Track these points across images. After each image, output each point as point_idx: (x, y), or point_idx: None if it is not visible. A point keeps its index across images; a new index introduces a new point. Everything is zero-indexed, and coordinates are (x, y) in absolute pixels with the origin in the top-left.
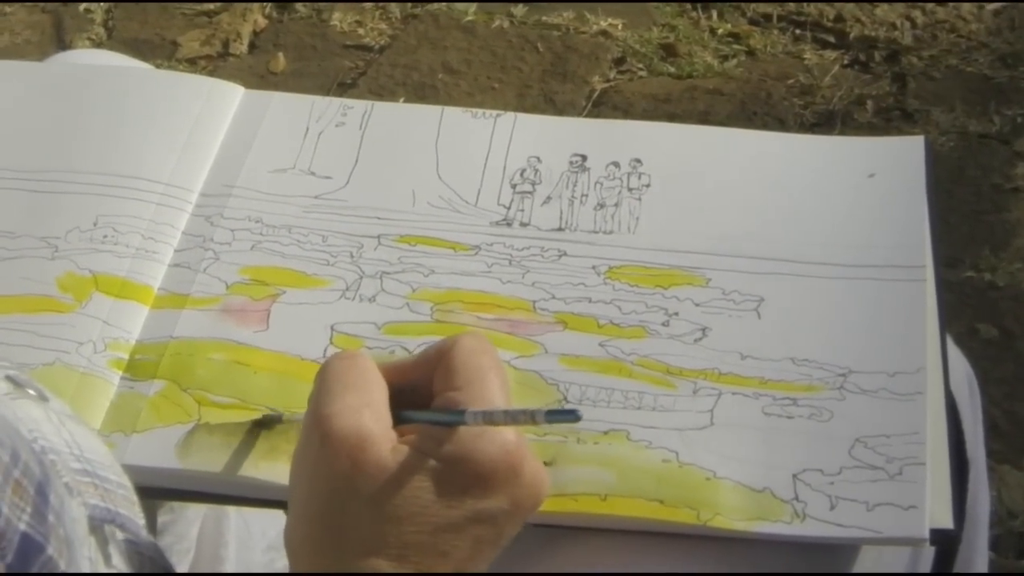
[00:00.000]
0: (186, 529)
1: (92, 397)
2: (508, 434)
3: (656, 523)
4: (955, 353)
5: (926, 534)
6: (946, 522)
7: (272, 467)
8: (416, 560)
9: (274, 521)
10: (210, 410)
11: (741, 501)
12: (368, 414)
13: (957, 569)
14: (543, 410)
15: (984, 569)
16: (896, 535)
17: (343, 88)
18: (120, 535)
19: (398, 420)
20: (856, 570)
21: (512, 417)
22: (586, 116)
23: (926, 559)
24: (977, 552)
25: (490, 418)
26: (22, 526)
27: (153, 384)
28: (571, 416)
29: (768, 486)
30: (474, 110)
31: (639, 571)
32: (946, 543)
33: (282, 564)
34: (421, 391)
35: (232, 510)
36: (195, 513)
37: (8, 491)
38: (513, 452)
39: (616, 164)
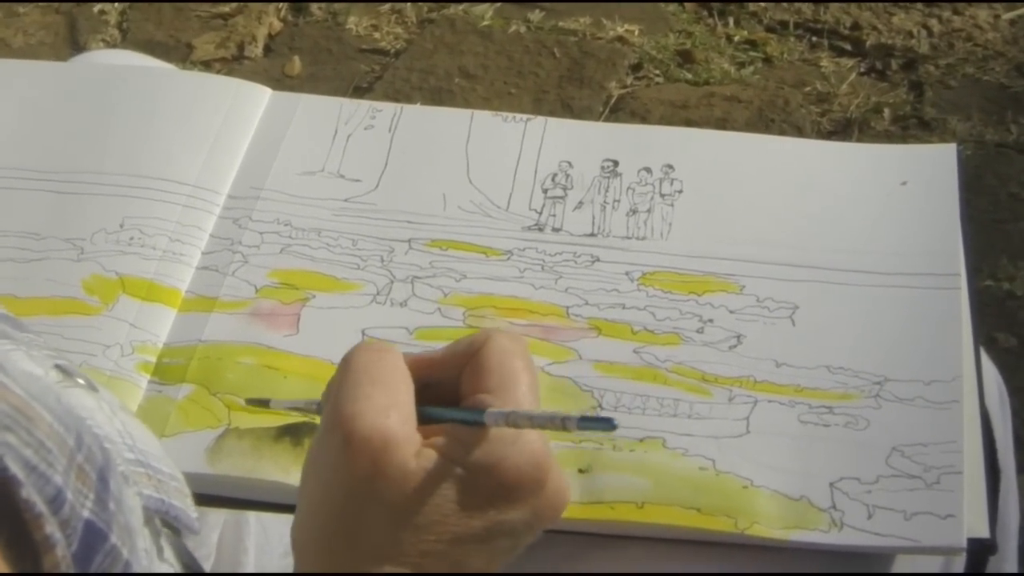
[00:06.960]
0: (207, 535)
1: (120, 401)
2: (537, 444)
3: (693, 531)
4: (986, 362)
5: (964, 543)
6: (982, 531)
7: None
8: (432, 569)
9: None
10: (240, 414)
11: (778, 509)
12: (395, 416)
13: None
14: (575, 416)
15: None
16: (934, 544)
17: (359, 92)
18: (166, 529)
19: (420, 417)
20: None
21: (538, 422)
22: (603, 122)
23: (957, 566)
24: (1007, 560)
25: (513, 421)
26: (86, 513)
27: (182, 388)
28: (606, 424)
29: (805, 494)
30: (504, 114)
31: None
32: (982, 552)
33: None
34: (446, 386)
35: (252, 516)
36: (216, 519)
37: (72, 477)
38: (541, 464)
39: (648, 170)
